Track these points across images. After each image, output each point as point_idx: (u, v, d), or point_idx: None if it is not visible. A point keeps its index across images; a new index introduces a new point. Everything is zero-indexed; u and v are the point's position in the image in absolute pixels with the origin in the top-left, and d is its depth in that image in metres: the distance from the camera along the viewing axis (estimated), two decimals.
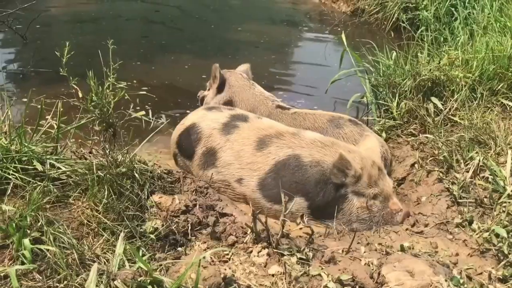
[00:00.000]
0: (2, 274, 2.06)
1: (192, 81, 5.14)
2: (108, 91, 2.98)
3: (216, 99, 4.11)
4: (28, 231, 2.19)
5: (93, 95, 2.92)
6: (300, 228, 2.67)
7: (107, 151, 2.63)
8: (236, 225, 2.65)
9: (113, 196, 2.46)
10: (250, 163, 3.13)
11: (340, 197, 2.96)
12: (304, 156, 3.04)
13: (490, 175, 3.04)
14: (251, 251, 2.47)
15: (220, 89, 4.11)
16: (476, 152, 3.23)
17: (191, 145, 3.39)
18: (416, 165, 3.47)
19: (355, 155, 2.99)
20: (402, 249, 2.59)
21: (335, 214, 2.94)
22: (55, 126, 2.81)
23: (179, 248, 2.46)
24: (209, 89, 4.25)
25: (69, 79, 2.91)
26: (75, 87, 2.92)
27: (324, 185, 2.97)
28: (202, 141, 3.34)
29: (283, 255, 2.42)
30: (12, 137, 2.63)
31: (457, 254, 2.60)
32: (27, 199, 2.39)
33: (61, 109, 3.30)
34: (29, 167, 2.54)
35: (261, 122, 3.36)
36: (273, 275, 2.31)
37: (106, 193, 2.44)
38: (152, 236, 2.39)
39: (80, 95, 2.96)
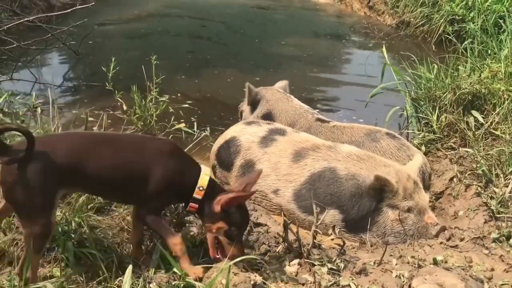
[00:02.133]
0: (48, 274, 2.22)
1: (234, 94, 5.27)
2: (150, 104, 3.12)
3: (255, 113, 4.19)
4: (72, 236, 2.34)
5: (137, 107, 3.07)
6: (332, 239, 2.70)
7: None
8: (269, 235, 2.72)
9: None
10: (286, 174, 3.19)
11: (375, 210, 2.99)
12: (340, 169, 3.08)
13: None
14: (283, 260, 2.52)
15: (253, 105, 4.19)
16: None
17: (230, 157, 3.49)
18: (454, 179, 3.44)
19: (390, 169, 3.01)
20: (435, 262, 2.58)
21: (369, 227, 2.96)
22: None
23: None
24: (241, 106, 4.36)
25: (114, 93, 3.08)
26: (120, 100, 3.09)
27: (359, 199, 3.00)
28: (241, 154, 3.43)
29: (314, 265, 2.46)
30: None
31: (492, 269, 2.56)
32: (73, 206, 2.54)
33: (109, 121, 3.52)
34: None
35: (298, 135, 3.42)
36: (303, 284, 2.36)
37: None
38: (187, 242, 2.48)
39: (125, 107, 3.13)
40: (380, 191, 2.94)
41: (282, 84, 4.37)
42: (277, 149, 3.31)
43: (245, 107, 4.34)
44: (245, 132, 3.54)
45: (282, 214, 2.72)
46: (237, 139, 3.52)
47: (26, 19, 5.67)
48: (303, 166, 3.17)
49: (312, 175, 3.12)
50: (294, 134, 3.44)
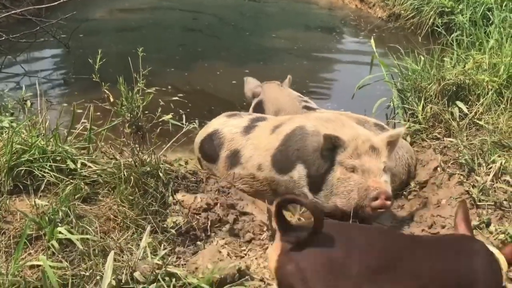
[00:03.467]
0: (36, 263, 2.26)
1: (223, 87, 5.31)
2: (137, 96, 3.15)
3: (252, 106, 4.31)
4: (60, 225, 2.38)
5: (124, 99, 3.10)
6: None
7: (134, 152, 2.81)
8: (254, 223, 2.78)
9: (138, 193, 2.63)
10: (265, 145, 3.28)
11: (328, 168, 2.98)
12: (309, 126, 3.15)
13: (511, 178, 3.04)
14: (267, 248, 2.58)
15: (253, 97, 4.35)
16: (499, 156, 3.24)
17: (214, 150, 3.55)
18: (438, 169, 3.50)
19: (352, 131, 3.03)
20: None
21: (322, 186, 2.98)
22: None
23: (199, 243, 2.60)
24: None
25: (101, 85, 3.11)
26: (107, 92, 3.12)
27: (320, 155, 3.01)
28: (225, 145, 3.50)
29: None
30: (48, 139, 2.83)
31: None
32: (60, 196, 2.58)
33: (98, 113, 3.55)
34: (63, 166, 2.74)
35: (279, 117, 3.51)
36: None
37: (130, 190, 2.61)
38: (173, 231, 2.54)
39: (112, 99, 3.16)
40: (333, 150, 2.94)
41: (286, 80, 4.50)
42: (259, 131, 3.41)
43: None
44: (227, 124, 3.62)
45: (266, 202, 2.76)
46: (219, 131, 3.59)
47: (14, 11, 5.66)
48: (279, 133, 3.26)
49: (285, 136, 3.20)
50: (275, 118, 3.55)
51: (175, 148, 3.87)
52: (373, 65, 5.01)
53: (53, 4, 5.76)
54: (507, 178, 3.09)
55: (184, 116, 3.65)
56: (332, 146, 2.93)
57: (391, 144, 3.07)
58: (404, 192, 3.55)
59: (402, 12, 8.15)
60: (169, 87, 5.34)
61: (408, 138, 3.96)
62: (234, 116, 3.70)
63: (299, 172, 3.07)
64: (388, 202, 2.86)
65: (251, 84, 4.43)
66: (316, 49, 7.25)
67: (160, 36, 7.67)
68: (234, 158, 3.39)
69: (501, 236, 2.66)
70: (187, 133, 3.51)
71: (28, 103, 3.85)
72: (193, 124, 3.71)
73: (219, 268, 2.20)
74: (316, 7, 9.95)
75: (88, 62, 3.37)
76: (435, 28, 6.84)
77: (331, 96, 5.49)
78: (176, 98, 4.80)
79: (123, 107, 3.16)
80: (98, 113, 3.68)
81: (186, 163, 3.40)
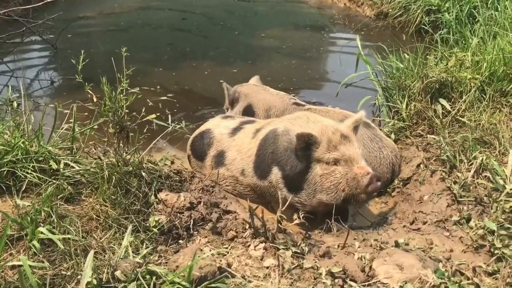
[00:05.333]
0: (17, 263, 2.26)
1: (210, 87, 5.33)
2: (121, 96, 3.16)
3: (235, 109, 4.29)
4: (42, 225, 2.39)
5: (107, 100, 3.11)
6: (297, 224, 2.77)
7: (117, 151, 2.82)
8: (237, 221, 2.79)
9: (120, 193, 2.64)
10: (247, 150, 3.32)
11: (307, 169, 2.99)
12: (280, 127, 3.19)
13: (491, 174, 3.07)
14: (249, 245, 2.60)
15: (232, 104, 4.29)
16: (480, 152, 3.27)
17: (203, 148, 3.62)
18: (421, 165, 3.53)
19: (317, 125, 3.05)
20: (397, 244, 2.67)
21: (302, 186, 2.99)
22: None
23: (181, 241, 2.62)
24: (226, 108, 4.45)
25: (85, 85, 3.12)
26: (90, 92, 3.13)
27: (291, 154, 3.03)
28: (213, 145, 3.56)
29: (278, 249, 2.54)
30: (31, 139, 2.84)
31: (451, 250, 2.66)
32: (43, 196, 2.59)
33: (86, 113, 3.56)
34: (46, 166, 2.75)
35: (262, 121, 3.55)
36: (267, 267, 2.44)
37: (113, 190, 2.62)
38: (155, 230, 2.55)
39: (95, 99, 3.17)
40: (307, 149, 2.95)
41: (255, 79, 4.48)
42: (243, 133, 3.45)
43: (226, 106, 4.43)
44: (219, 125, 3.67)
45: (248, 200, 2.78)
46: (211, 131, 3.65)
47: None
48: (256, 138, 3.31)
49: (261, 140, 3.24)
50: (262, 120, 3.54)
51: (160, 147, 3.91)
52: (359, 63, 5.05)
53: (38, 4, 5.72)
54: (488, 174, 3.12)
55: (170, 116, 3.67)
56: (305, 144, 2.94)
57: (355, 129, 3.13)
58: (388, 189, 3.59)
59: (390, 10, 8.20)
60: (158, 86, 5.37)
61: (393, 136, 4.00)
62: (228, 118, 3.78)
63: (275, 175, 3.11)
64: (379, 183, 2.91)
65: (230, 91, 4.38)
66: (304, 47, 7.29)
67: (149, 36, 7.70)
68: (220, 158, 3.46)
69: (480, 231, 2.69)
70: (172, 132, 3.54)
71: (15, 103, 3.85)
72: (179, 124, 3.74)
73: (199, 266, 2.21)
74: (305, 6, 9.99)
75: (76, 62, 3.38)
76: (423, 26, 6.89)
77: (319, 94, 5.51)
78: (164, 98, 4.84)
79: (106, 107, 3.17)
80: (86, 113, 3.69)
81: (172, 162, 3.41)
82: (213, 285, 2.18)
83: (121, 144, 3.15)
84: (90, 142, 3.23)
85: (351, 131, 3.06)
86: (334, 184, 2.93)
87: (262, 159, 3.16)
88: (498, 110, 3.82)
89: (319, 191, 2.97)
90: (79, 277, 2.16)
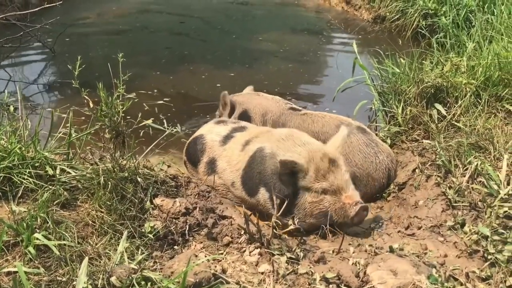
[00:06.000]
0: (12, 270, 2.27)
1: (207, 91, 5.35)
2: (117, 101, 3.17)
3: (232, 117, 4.30)
4: (37, 231, 2.40)
5: (103, 104, 3.12)
6: (292, 230, 2.78)
7: (113, 157, 2.83)
8: (232, 227, 2.81)
9: (116, 199, 2.66)
10: (236, 164, 3.33)
11: (294, 193, 3.00)
12: (267, 148, 3.19)
13: (485, 179, 3.09)
14: (244, 251, 2.61)
15: (231, 113, 4.29)
16: (475, 157, 3.29)
17: (197, 154, 3.64)
18: (417, 170, 3.54)
19: (303, 148, 3.05)
20: (391, 250, 2.68)
21: (292, 210, 3.00)
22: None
23: (176, 247, 2.63)
24: (220, 116, 4.41)
25: (81, 91, 3.13)
26: (86, 98, 3.14)
27: (277, 178, 3.02)
28: (206, 151, 3.59)
29: (273, 254, 2.55)
30: (27, 145, 2.85)
31: (445, 256, 2.67)
32: (39, 202, 2.60)
33: (83, 118, 3.56)
34: (42, 172, 2.77)
35: (255, 128, 3.55)
36: (262, 273, 2.45)
37: (109, 195, 2.64)
38: (150, 235, 2.57)
39: (91, 105, 3.18)
40: (292, 174, 2.95)
41: (248, 89, 4.49)
42: (233, 143, 3.45)
43: (219, 113, 4.41)
44: (212, 131, 3.68)
45: (243, 206, 2.80)
46: (203, 137, 3.67)
47: None
48: (245, 152, 3.31)
49: (249, 157, 3.25)
50: (252, 129, 3.55)
51: (157, 152, 3.92)
52: (356, 68, 5.07)
53: (34, 10, 5.73)
54: (483, 179, 3.13)
55: (165, 121, 3.69)
56: (290, 171, 2.94)
57: (341, 148, 3.18)
58: (383, 194, 3.60)
59: (387, 14, 8.23)
60: (155, 90, 5.39)
61: (388, 140, 4.02)
62: (221, 123, 3.78)
63: (263, 196, 3.12)
64: (366, 212, 2.97)
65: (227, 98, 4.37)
66: (302, 51, 7.31)
67: (147, 39, 7.71)
68: (212, 165, 3.49)
69: (474, 236, 2.70)
70: (168, 137, 3.55)
71: (12, 108, 3.86)
72: (176, 128, 3.75)
73: (194, 272, 2.23)
74: (303, 10, 10.02)
75: (73, 66, 3.39)
76: (419, 30, 6.91)
77: (314, 100, 5.52)
78: (161, 102, 4.85)
79: (102, 113, 3.18)
80: (83, 118, 3.70)
81: (169, 166, 3.43)
82: None
83: (117, 150, 3.16)
84: (88, 147, 3.24)
85: (338, 152, 3.10)
86: (323, 211, 2.98)
87: (250, 177, 3.16)
88: (493, 115, 3.84)
89: (309, 216, 3.00)
90: (74, 283, 2.18)
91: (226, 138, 3.53)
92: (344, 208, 2.93)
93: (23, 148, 2.86)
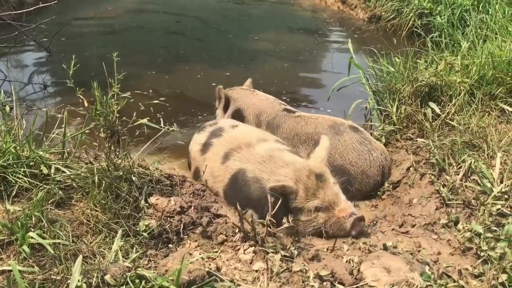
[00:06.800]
0: (6, 268, 2.28)
1: (203, 90, 5.35)
2: (112, 100, 3.17)
3: (226, 114, 4.31)
4: (32, 229, 2.40)
5: (98, 104, 3.12)
6: (286, 227, 2.79)
7: (108, 156, 2.84)
8: (227, 225, 2.81)
9: (110, 198, 2.66)
10: (217, 176, 3.35)
11: (286, 213, 2.93)
12: (249, 171, 3.15)
13: (479, 177, 3.11)
14: (239, 249, 2.62)
15: (226, 107, 4.30)
16: (468, 155, 3.31)
17: (189, 160, 3.83)
18: (411, 169, 3.56)
19: (288, 169, 3.01)
20: (385, 248, 2.70)
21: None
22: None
23: (171, 246, 2.64)
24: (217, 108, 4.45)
25: (76, 90, 3.13)
26: (81, 97, 3.14)
27: (266, 201, 2.82)
28: (192, 162, 3.71)
29: (268, 252, 2.57)
30: (22, 144, 2.86)
31: (439, 253, 2.69)
32: (33, 200, 2.61)
33: (79, 118, 3.56)
34: (37, 171, 2.77)
35: (231, 134, 3.55)
36: (256, 271, 2.46)
37: (103, 194, 2.64)
38: (145, 234, 2.57)
39: (86, 104, 3.18)
40: (283, 196, 2.87)
41: (247, 82, 4.51)
42: (212, 153, 3.48)
43: (219, 110, 4.43)
44: (194, 142, 3.78)
45: (237, 205, 2.81)
46: (190, 148, 3.81)
47: None
48: (226, 168, 3.31)
49: (231, 176, 3.25)
50: (228, 133, 3.56)
51: (153, 151, 3.92)
52: (351, 67, 5.08)
53: (30, 9, 5.72)
54: (476, 177, 3.15)
55: (161, 120, 3.69)
56: (280, 195, 2.87)
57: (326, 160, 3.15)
58: (378, 192, 3.62)
59: (383, 13, 8.26)
60: (150, 90, 5.38)
61: (383, 139, 4.03)
62: (201, 131, 3.82)
63: (252, 216, 3.06)
64: (363, 223, 2.95)
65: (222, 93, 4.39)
66: (297, 51, 7.32)
67: (143, 39, 7.70)
68: (198, 174, 3.53)
69: (467, 234, 2.72)
70: (164, 136, 3.56)
71: (7, 108, 3.85)
72: (171, 127, 3.76)
73: (188, 270, 2.24)
74: (299, 9, 10.04)
75: (69, 66, 3.39)
76: (415, 29, 6.93)
77: (311, 98, 5.54)
78: (156, 101, 4.85)
79: (97, 112, 3.18)
80: (79, 118, 3.70)
81: (159, 162, 3.42)
82: None
83: (112, 149, 3.16)
84: (83, 146, 3.24)
85: (323, 165, 3.06)
86: (318, 228, 2.96)
87: (233, 196, 3.10)
88: (487, 114, 3.86)
89: (303, 231, 2.96)
90: (69, 281, 2.18)
91: (205, 146, 3.57)
92: (339, 222, 2.91)
93: (18, 147, 2.86)
